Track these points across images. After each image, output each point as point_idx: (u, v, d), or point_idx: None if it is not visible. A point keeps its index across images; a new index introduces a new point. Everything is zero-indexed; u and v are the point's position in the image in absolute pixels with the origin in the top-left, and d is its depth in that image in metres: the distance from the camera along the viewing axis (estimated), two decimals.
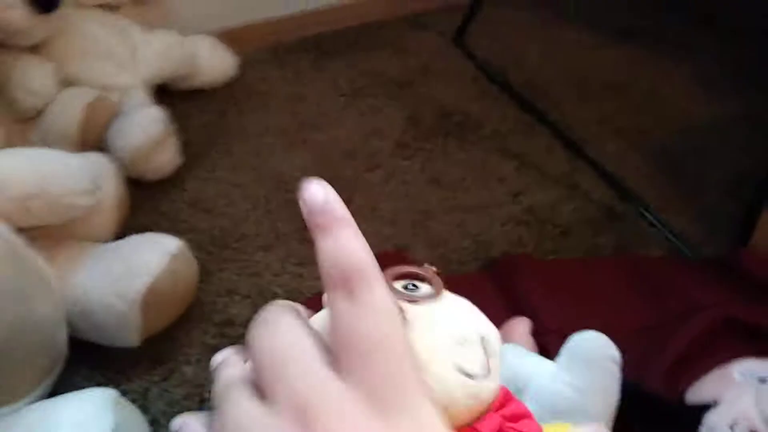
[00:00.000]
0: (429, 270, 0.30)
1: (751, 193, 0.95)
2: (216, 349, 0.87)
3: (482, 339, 0.29)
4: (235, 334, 0.86)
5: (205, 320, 0.86)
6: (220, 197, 1.03)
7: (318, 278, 0.81)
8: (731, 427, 0.62)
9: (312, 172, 1.09)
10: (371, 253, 0.23)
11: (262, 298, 0.89)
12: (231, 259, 0.94)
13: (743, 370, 0.71)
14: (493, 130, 1.17)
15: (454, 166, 1.10)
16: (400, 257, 0.92)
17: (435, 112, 1.20)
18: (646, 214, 1.03)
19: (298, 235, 0.97)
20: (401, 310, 0.26)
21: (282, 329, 0.23)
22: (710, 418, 0.64)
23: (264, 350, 0.22)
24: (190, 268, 0.82)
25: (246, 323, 0.87)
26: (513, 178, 1.08)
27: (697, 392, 0.71)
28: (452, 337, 0.28)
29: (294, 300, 0.86)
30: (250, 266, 0.93)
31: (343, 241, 0.23)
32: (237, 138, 1.12)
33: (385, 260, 0.24)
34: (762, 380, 0.69)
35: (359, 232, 0.23)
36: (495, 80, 1.26)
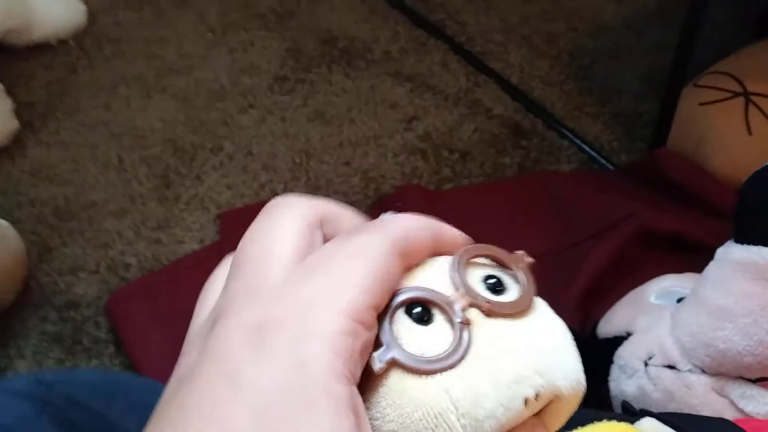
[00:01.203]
0: (521, 259, 0.23)
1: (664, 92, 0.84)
2: (57, 337, 0.74)
3: (539, 393, 0.20)
4: (80, 317, 0.73)
5: (45, 304, 0.73)
6: (66, 162, 0.88)
7: (179, 242, 0.64)
8: (645, 363, 0.51)
9: (173, 123, 0.95)
10: None
11: (113, 273, 0.76)
12: (77, 231, 0.80)
13: (660, 290, 0.61)
14: (383, 53, 1.03)
15: (340, 97, 0.97)
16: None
17: (318, 39, 1.05)
18: (555, 125, 0.91)
19: (157, 195, 0.84)
20: (466, 323, 0.20)
21: (274, 223, 0.21)
22: (621, 353, 0.54)
23: (245, 237, 0.21)
24: (8, 248, 0.69)
25: (94, 303, 0.75)
26: (406, 103, 0.95)
27: (609, 322, 0.61)
28: (515, 379, 0.20)
29: (150, 270, 0.70)
30: (99, 237, 0.80)
31: None
32: (86, 94, 0.97)
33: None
34: (681, 300, 0.58)
35: None
36: None
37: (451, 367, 0.19)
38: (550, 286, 0.70)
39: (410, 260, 0.21)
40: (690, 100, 0.82)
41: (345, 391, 0.17)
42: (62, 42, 1.04)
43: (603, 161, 0.87)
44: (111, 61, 1.02)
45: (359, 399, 0.18)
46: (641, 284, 0.63)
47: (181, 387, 0.18)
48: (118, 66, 1.01)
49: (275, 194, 0.84)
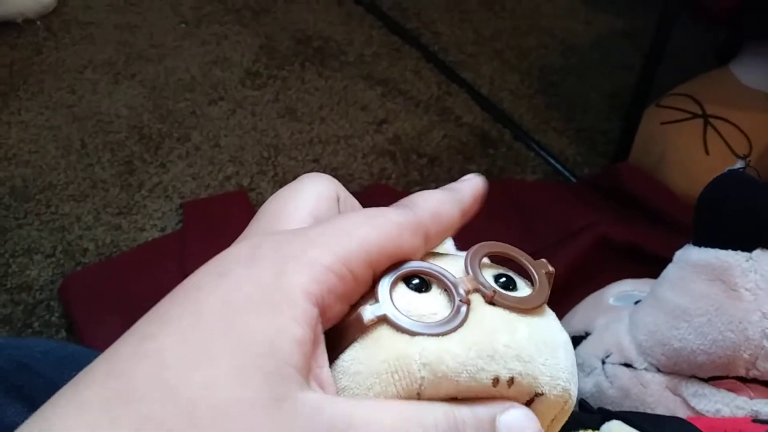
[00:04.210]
0: (544, 266, 0.22)
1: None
2: (6, 319, 0.71)
3: (513, 378, 0.19)
4: (33, 300, 0.70)
5: None
6: (26, 143, 0.85)
7: (140, 229, 0.63)
8: (603, 361, 0.52)
9: (140, 110, 0.94)
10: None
11: (69, 257, 0.74)
12: (33, 213, 0.78)
13: (619, 293, 0.62)
14: (357, 55, 1.04)
15: (312, 96, 0.97)
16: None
17: (292, 38, 1.05)
18: (522, 137, 0.93)
19: (120, 181, 0.82)
20: (466, 302, 0.20)
21: (298, 186, 0.22)
22: (579, 352, 0.55)
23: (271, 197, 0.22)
24: None
25: (48, 286, 0.72)
26: (377, 106, 0.96)
27: (569, 324, 0.62)
28: (490, 353, 0.19)
29: (108, 256, 0.68)
30: (56, 220, 0.77)
31: None
32: (51, 76, 0.95)
33: None
34: (638, 303, 0.60)
35: None
36: (361, 1, 1.12)
37: (440, 335, 0.19)
38: None
39: (434, 239, 0.21)
40: (652, 119, 0.84)
41: (309, 309, 0.18)
42: (29, 22, 1.02)
43: (567, 174, 0.89)
44: (79, 45, 1.00)
45: (320, 327, 0.19)
46: (600, 289, 0.65)
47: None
48: (86, 50, 0.99)
49: (241, 187, 0.84)
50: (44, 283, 0.72)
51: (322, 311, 0.18)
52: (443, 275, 0.20)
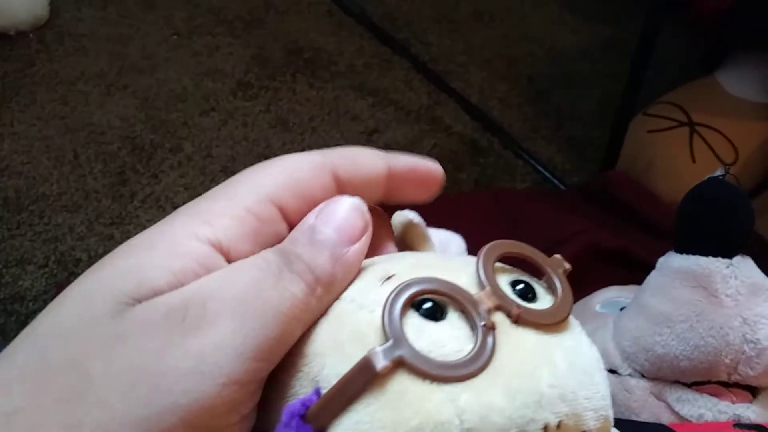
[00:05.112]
0: (561, 264, 0.20)
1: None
2: (0, 330, 0.71)
3: (562, 422, 0.17)
4: (26, 311, 0.71)
5: None
6: (18, 153, 0.86)
7: None
8: None
9: (132, 121, 0.94)
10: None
11: (62, 267, 0.75)
12: (26, 223, 0.78)
13: (605, 300, 0.63)
14: (348, 66, 1.05)
15: (303, 106, 0.97)
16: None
17: (284, 49, 1.06)
18: (512, 145, 0.94)
19: (112, 191, 0.83)
20: (491, 327, 0.17)
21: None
22: None
23: None
24: None
25: (41, 296, 0.73)
26: (368, 116, 0.97)
27: None
28: (536, 400, 0.16)
29: None
30: (49, 230, 0.78)
31: None
32: (44, 87, 0.95)
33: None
34: (623, 309, 0.60)
35: None
36: (351, 12, 1.14)
37: (471, 376, 0.16)
38: None
39: (349, 182, 0.20)
40: (639, 128, 0.86)
41: (196, 246, 0.18)
42: (22, 34, 1.03)
43: (555, 181, 0.90)
44: (71, 57, 1.00)
45: (224, 262, 0.18)
46: (586, 296, 0.66)
47: None
48: (79, 62, 1.00)
49: None
50: (37, 293, 0.72)
51: (224, 252, 0.18)
52: (458, 294, 0.17)
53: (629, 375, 0.48)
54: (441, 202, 0.90)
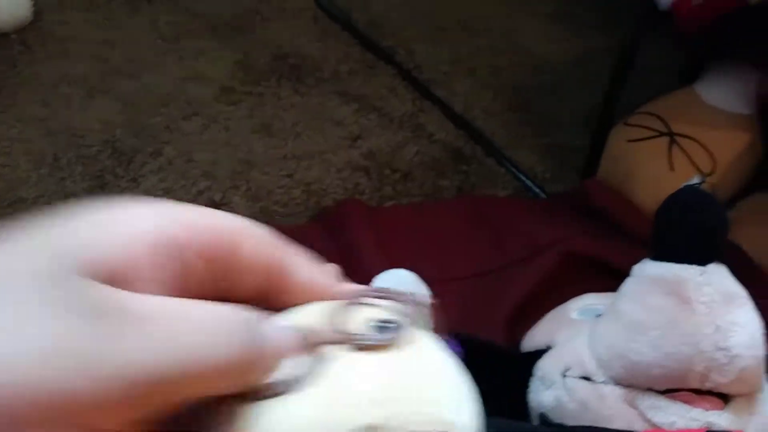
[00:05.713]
0: (422, 300, 0.21)
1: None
2: None
3: (378, 425, 0.18)
4: None
5: None
6: None
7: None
8: (563, 374, 0.52)
9: (113, 124, 0.94)
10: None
11: None
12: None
13: (582, 307, 0.63)
14: (333, 72, 1.05)
15: (287, 112, 0.97)
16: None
17: (269, 54, 1.06)
18: (494, 153, 0.95)
19: (91, 195, 0.82)
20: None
21: None
22: (541, 365, 0.55)
23: None
24: None
25: None
26: (352, 122, 0.97)
27: (532, 338, 0.63)
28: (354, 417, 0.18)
29: None
30: None
31: None
32: (25, 89, 0.94)
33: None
34: (599, 316, 0.61)
35: None
36: (337, 19, 1.14)
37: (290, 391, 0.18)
38: (478, 305, 0.72)
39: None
40: (619, 137, 0.86)
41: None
42: (4, 35, 1.02)
43: (537, 190, 0.91)
44: (54, 59, 1.00)
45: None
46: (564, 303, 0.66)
47: None
48: (61, 64, 0.99)
49: (213, 201, 0.84)
50: None
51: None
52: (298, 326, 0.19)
53: (603, 382, 0.48)
54: (423, 210, 0.91)
